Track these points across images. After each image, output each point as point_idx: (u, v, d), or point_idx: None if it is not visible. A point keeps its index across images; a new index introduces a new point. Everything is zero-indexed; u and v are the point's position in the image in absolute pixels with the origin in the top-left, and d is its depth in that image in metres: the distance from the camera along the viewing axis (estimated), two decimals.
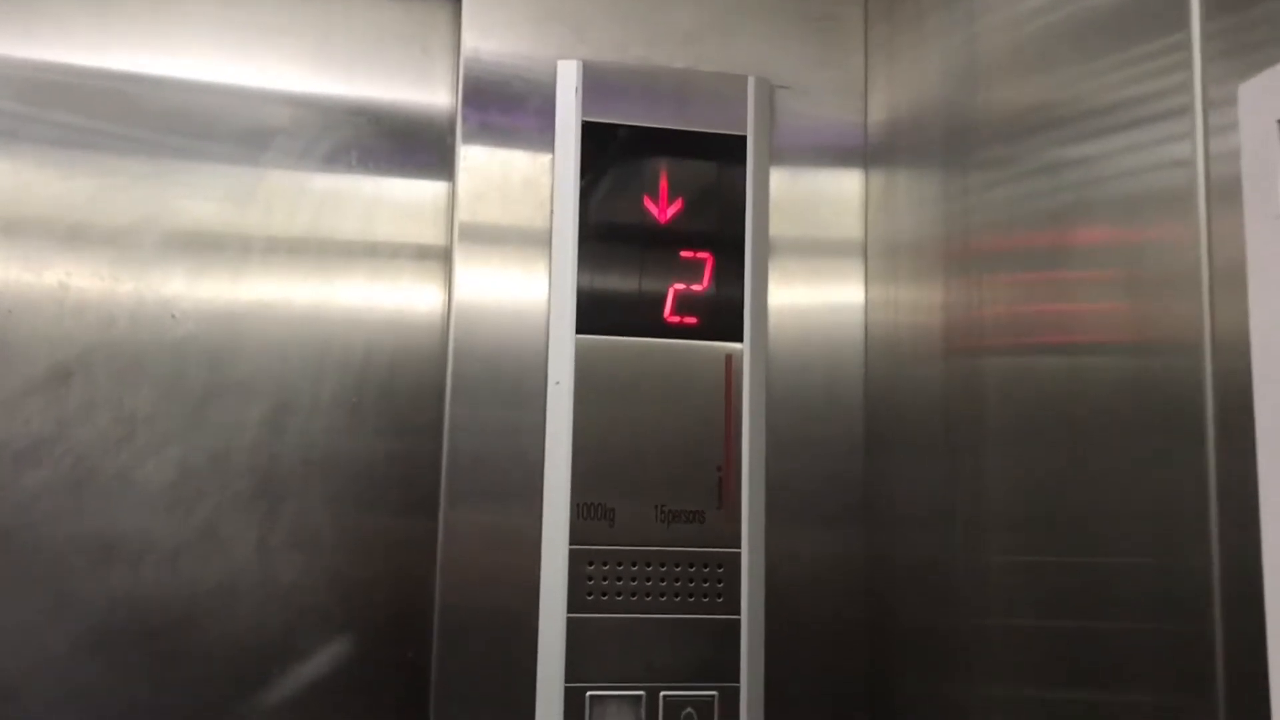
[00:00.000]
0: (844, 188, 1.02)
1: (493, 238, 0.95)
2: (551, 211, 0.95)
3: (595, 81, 0.96)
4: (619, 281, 0.95)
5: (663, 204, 0.96)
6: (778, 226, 0.99)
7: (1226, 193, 0.55)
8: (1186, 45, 0.59)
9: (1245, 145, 0.51)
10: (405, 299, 1.00)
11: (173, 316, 0.94)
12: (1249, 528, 0.50)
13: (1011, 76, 0.79)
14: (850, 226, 1.01)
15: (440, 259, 1.00)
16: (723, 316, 0.95)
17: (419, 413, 0.97)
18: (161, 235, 0.95)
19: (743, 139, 0.98)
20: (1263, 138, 0.50)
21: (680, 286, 0.95)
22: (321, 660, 0.94)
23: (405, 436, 0.97)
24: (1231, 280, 0.54)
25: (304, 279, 0.98)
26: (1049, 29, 0.74)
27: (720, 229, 0.97)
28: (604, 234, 0.95)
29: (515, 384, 0.93)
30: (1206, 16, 0.59)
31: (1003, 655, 0.77)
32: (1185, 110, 0.59)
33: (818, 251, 1.01)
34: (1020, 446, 0.75)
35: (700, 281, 0.96)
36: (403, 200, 1.01)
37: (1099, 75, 0.68)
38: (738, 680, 0.91)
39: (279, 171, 0.99)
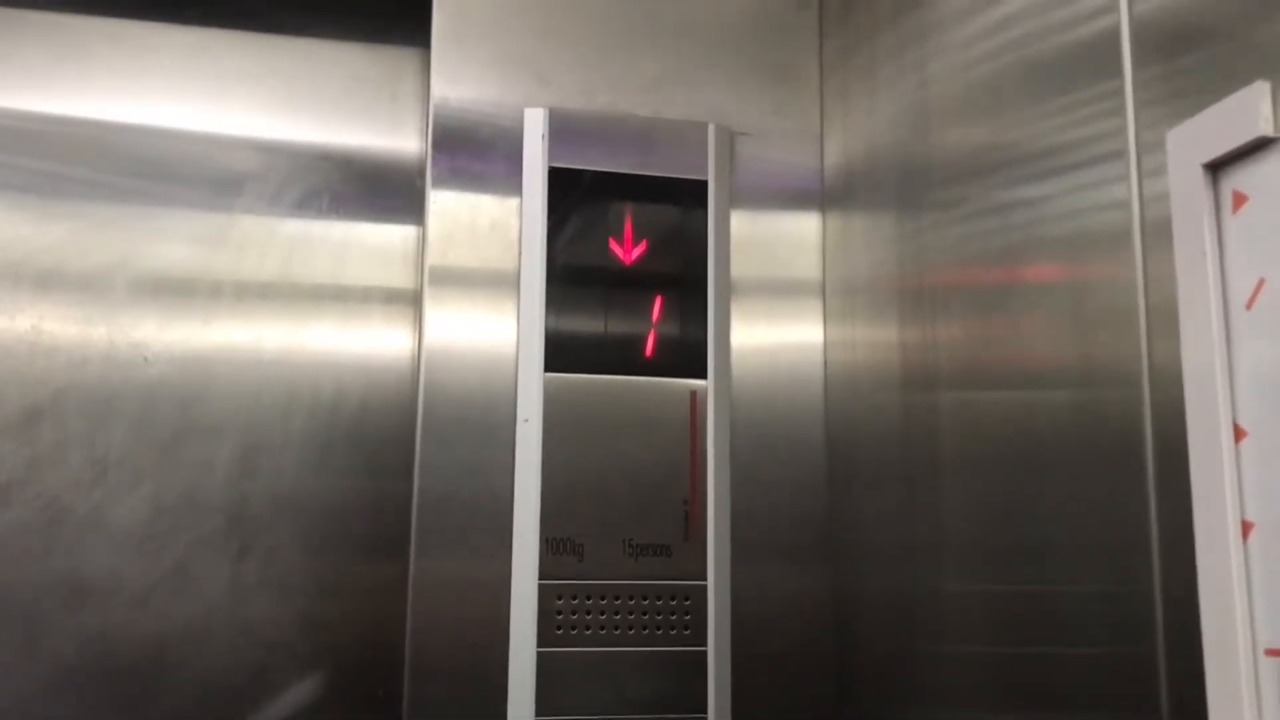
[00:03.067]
0: (802, 229, 1.04)
1: (462, 280, 0.97)
2: (520, 254, 0.97)
3: (561, 128, 0.99)
4: (586, 321, 0.97)
5: (628, 246, 0.98)
6: (739, 267, 1.01)
7: (1161, 233, 0.57)
8: (1120, 92, 0.62)
9: (1174, 188, 0.53)
10: (375, 342, 1.01)
11: (144, 359, 0.95)
12: (1188, 552, 0.51)
13: (959, 122, 0.81)
14: (808, 267, 1.04)
15: (410, 302, 1.02)
16: (687, 354, 0.97)
17: (389, 453, 0.98)
18: (133, 279, 0.96)
19: (704, 184, 1.00)
20: (1190, 181, 0.52)
21: (645, 326, 0.97)
22: (293, 698, 0.94)
23: (376, 476, 0.98)
24: (1167, 316, 0.56)
25: (274, 322, 0.99)
26: (994, 76, 0.77)
27: (683, 270, 0.99)
28: (571, 275, 0.97)
29: (485, 423, 0.94)
30: (1138, 64, 0.61)
31: (962, 680, 0.78)
32: (1120, 154, 0.62)
33: (778, 291, 1.03)
34: (974, 478, 0.77)
35: (665, 321, 0.98)
36: (373, 244, 1.02)
37: (1041, 120, 0.70)
38: (705, 711, 0.92)
39: (250, 217, 1.00)
